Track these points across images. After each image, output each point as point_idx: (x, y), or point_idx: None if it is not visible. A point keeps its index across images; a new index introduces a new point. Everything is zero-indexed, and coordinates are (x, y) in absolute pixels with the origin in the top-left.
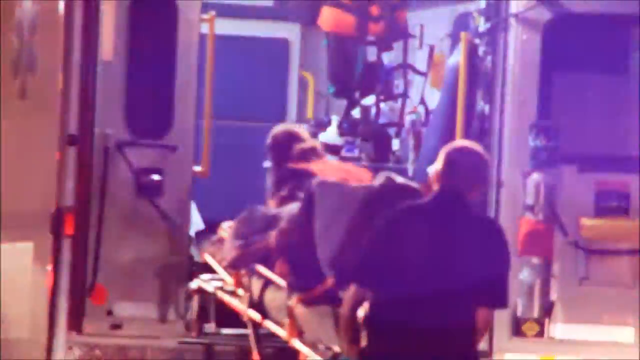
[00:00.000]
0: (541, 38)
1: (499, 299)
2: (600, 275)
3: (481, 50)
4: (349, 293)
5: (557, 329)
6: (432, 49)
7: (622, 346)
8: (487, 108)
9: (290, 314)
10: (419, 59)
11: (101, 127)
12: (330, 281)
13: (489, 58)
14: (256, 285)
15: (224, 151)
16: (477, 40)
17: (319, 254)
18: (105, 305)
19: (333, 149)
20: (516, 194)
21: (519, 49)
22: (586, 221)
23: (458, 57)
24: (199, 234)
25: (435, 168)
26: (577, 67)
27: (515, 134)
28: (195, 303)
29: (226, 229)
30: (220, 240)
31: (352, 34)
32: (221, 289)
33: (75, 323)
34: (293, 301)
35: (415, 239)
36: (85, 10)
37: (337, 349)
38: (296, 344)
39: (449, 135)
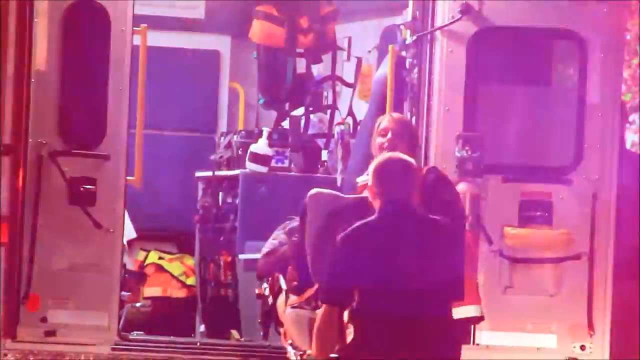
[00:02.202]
0: (466, 51)
1: (456, 292)
2: (524, 284)
3: (408, 62)
4: (321, 310)
5: (483, 336)
6: (359, 61)
7: (545, 352)
8: (413, 119)
9: (283, 318)
10: (347, 71)
11: (35, 136)
12: (316, 287)
13: (415, 70)
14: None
15: (156, 161)
16: (403, 53)
17: (309, 261)
18: (39, 313)
19: (263, 159)
20: None
21: (445, 61)
22: (510, 230)
23: (385, 69)
24: (131, 242)
25: (369, 185)
26: (502, 79)
27: (442, 145)
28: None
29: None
30: None
31: (281, 47)
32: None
33: (10, 330)
34: (283, 306)
35: (372, 255)
36: (19, 21)
37: (309, 352)
38: (287, 347)
39: None
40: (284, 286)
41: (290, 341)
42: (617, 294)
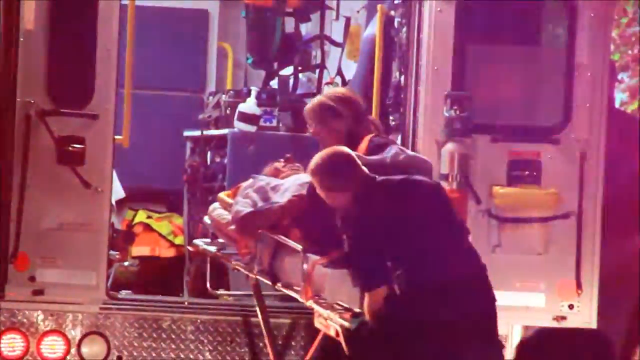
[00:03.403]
0: (455, 10)
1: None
2: (512, 243)
3: (397, 21)
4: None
5: None
6: (348, 20)
7: (533, 311)
8: (402, 79)
9: (307, 277)
10: (336, 31)
11: (23, 95)
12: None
13: (404, 29)
14: (265, 250)
15: (144, 120)
16: (392, 12)
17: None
18: (27, 272)
19: (251, 119)
20: None
21: (434, 20)
22: (498, 190)
23: (374, 29)
24: (119, 202)
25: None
26: (491, 38)
27: (430, 105)
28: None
29: (224, 196)
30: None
31: (270, 6)
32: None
33: None
34: (310, 265)
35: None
36: None
37: (357, 309)
38: (314, 305)
39: (365, 105)
40: (296, 246)
41: (314, 298)
42: (605, 252)
